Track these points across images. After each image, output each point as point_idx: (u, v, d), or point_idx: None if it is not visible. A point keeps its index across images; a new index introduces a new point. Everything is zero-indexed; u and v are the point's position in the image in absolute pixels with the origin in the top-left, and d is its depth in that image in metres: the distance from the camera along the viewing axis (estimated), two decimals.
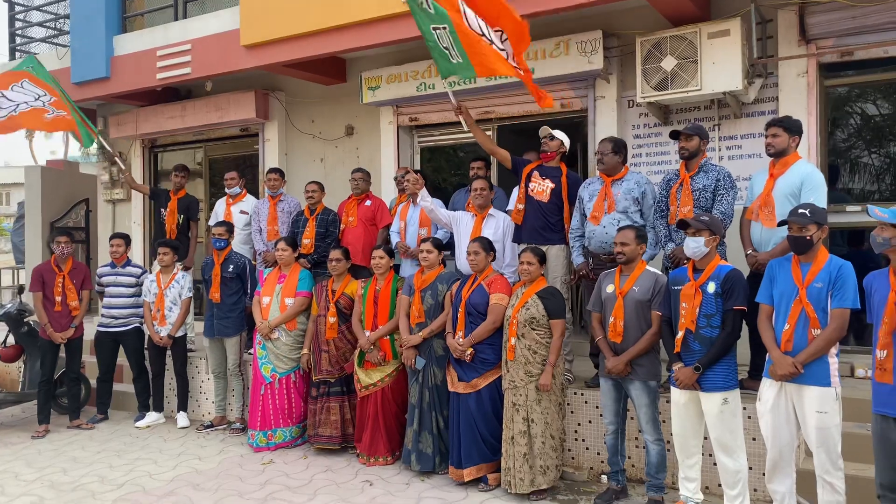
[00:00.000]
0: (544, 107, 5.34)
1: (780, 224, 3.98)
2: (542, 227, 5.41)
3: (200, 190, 9.54)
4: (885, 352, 3.41)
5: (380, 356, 5.61)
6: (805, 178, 4.54)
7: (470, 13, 5.13)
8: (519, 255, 5.04)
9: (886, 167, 6.10)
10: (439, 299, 5.38)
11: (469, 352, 4.98)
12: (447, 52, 5.16)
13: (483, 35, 5.06)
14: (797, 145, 4.68)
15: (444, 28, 5.08)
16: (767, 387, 3.89)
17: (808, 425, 3.74)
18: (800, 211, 3.81)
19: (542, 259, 4.97)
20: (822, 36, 5.73)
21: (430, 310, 5.37)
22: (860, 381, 5.30)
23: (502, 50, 5.11)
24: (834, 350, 3.73)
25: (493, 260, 5.26)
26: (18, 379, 7.54)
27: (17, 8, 10.16)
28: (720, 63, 5.74)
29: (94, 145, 9.23)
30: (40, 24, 10.16)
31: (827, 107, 6.03)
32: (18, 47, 10.18)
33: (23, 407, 7.65)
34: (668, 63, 5.93)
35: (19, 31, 10.27)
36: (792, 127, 4.63)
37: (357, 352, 5.74)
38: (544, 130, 5.55)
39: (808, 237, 3.75)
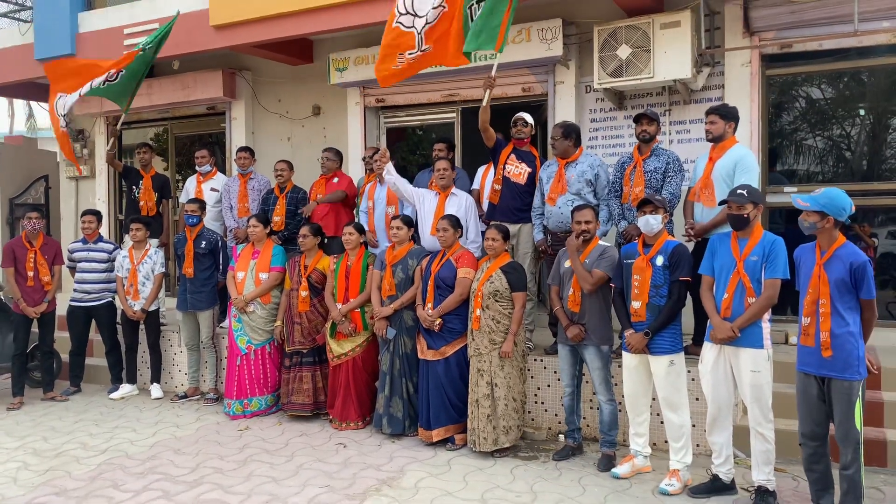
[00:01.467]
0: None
1: (721, 203, 4.39)
2: (518, 207, 5.79)
3: (162, 167, 9.63)
4: (809, 319, 3.85)
5: (351, 328, 5.92)
6: (738, 161, 4.95)
7: None
8: (486, 231, 5.39)
9: (822, 151, 6.62)
10: (409, 273, 5.70)
11: (438, 322, 5.32)
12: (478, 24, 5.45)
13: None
14: (734, 130, 5.09)
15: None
16: (708, 350, 4.33)
17: (744, 383, 4.18)
18: (738, 191, 4.22)
19: (506, 236, 5.33)
20: (764, 29, 6.17)
21: (401, 283, 5.69)
22: (793, 347, 5.81)
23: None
24: (767, 316, 4.17)
25: (461, 236, 5.60)
26: None
27: None
28: (671, 52, 6.13)
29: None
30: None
31: (768, 94, 6.49)
32: None
33: None
34: (624, 51, 6.31)
35: None
36: (728, 114, 5.05)
37: (329, 323, 6.04)
38: (518, 117, 5.87)
39: (745, 215, 4.17)
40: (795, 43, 6.13)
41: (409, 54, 5.90)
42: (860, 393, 3.72)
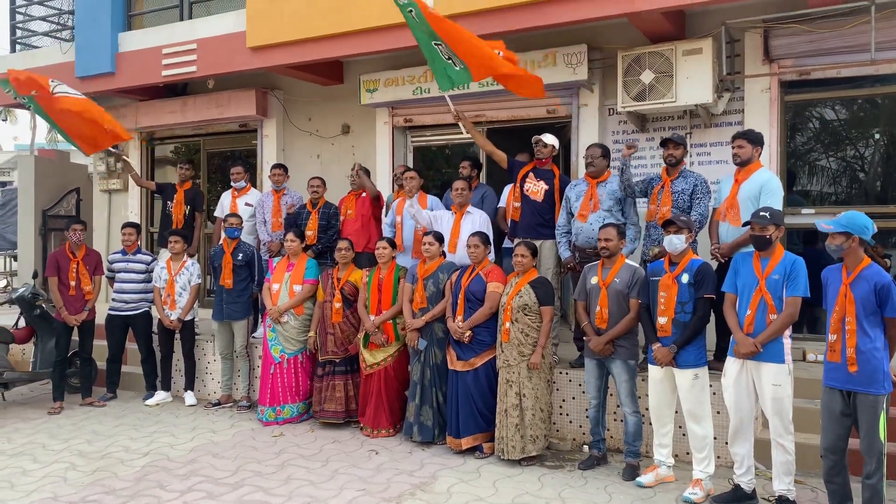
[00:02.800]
0: (534, 95, 5.96)
1: (745, 224, 4.61)
2: (538, 224, 6.02)
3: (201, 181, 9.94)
4: (836, 335, 4.05)
5: (383, 338, 6.16)
6: (764, 184, 5.18)
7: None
8: (514, 248, 5.62)
9: (839, 174, 6.83)
10: (440, 287, 5.93)
11: (468, 334, 5.55)
12: (450, 61, 5.71)
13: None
14: (759, 154, 5.33)
15: (439, 45, 5.66)
16: (731, 364, 4.53)
17: (766, 396, 4.38)
18: (761, 213, 4.44)
19: (535, 252, 5.57)
20: (783, 56, 6.41)
21: (432, 296, 5.92)
22: (811, 364, 6.01)
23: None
24: (788, 332, 4.38)
25: (490, 252, 5.84)
26: (28, 359, 7.90)
27: (19, 1, 10.43)
28: (693, 78, 6.37)
29: None
30: (42, 19, 10.45)
31: (786, 119, 6.71)
32: (19, 40, 10.45)
33: (30, 386, 8.03)
34: (647, 76, 6.55)
35: (20, 25, 10.53)
36: (755, 139, 5.29)
37: (362, 334, 6.28)
38: (537, 138, 6.13)
39: (767, 236, 4.39)
40: (814, 70, 6.36)
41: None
42: (885, 406, 3.92)
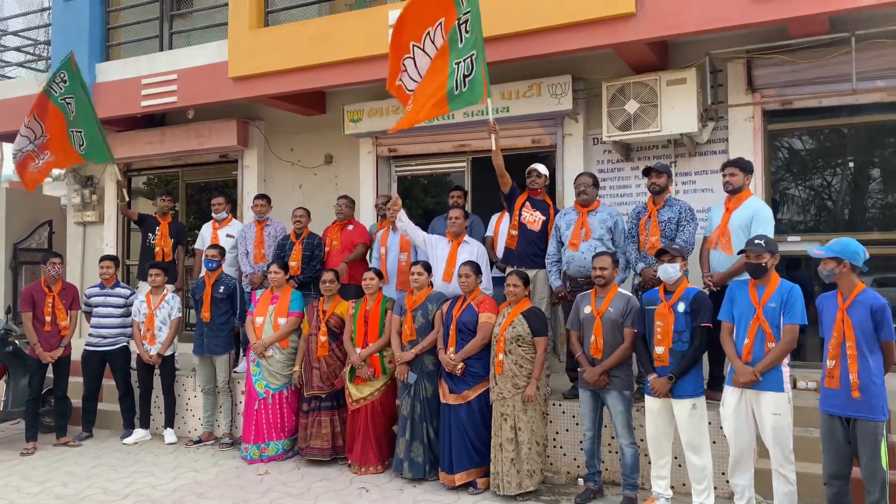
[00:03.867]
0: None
1: (740, 253, 4.61)
2: (533, 253, 5.98)
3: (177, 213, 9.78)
4: (834, 361, 4.04)
5: (370, 372, 6.03)
6: (756, 213, 5.20)
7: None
8: (506, 277, 5.56)
9: (821, 202, 6.90)
10: (429, 318, 5.83)
11: (460, 366, 5.45)
12: (465, 79, 5.75)
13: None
14: (750, 183, 5.36)
15: (472, 55, 5.68)
16: (730, 393, 4.49)
17: (766, 425, 4.34)
18: (756, 241, 4.44)
19: (527, 282, 5.51)
20: (766, 86, 6.50)
21: (421, 328, 5.82)
22: (802, 391, 5.99)
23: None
24: (786, 360, 4.36)
25: (481, 283, 5.77)
26: (0, 398, 7.62)
27: None
28: (678, 107, 6.43)
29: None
30: (17, 49, 10.30)
31: (770, 148, 6.78)
32: None
33: (0, 426, 7.73)
34: (632, 106, 6.61)
35: None
36: (746, 167, 5.32)
37: (348, 368, 6.14)
38: (532, 169, 6.12)
39: (763, 264, 4.39)
40: (796, 100, 6.45)
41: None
42: (885, 433, 3.89)
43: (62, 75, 7.66)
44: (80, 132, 7.76)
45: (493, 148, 5.99)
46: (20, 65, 10.32)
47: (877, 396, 3.89)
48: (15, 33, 10.35)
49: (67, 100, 7.74)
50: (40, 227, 12.08)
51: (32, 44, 10.29)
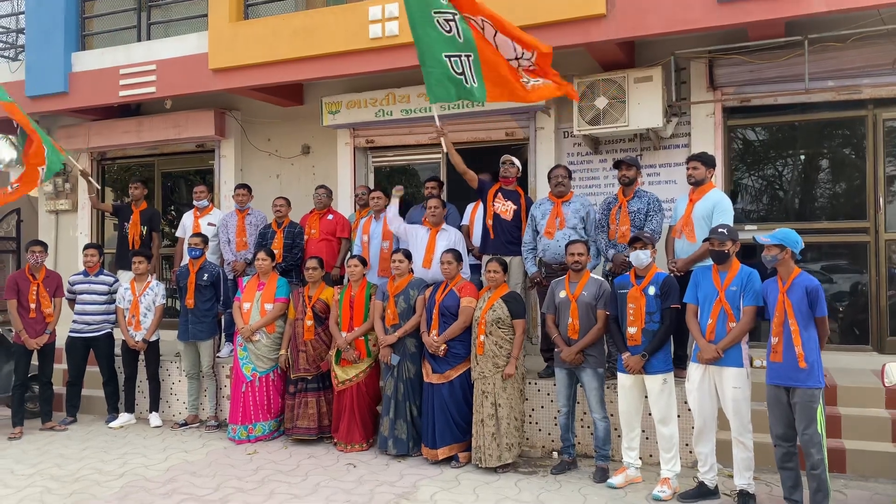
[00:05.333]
0: (571, 96, 6.23)
1: (704, 241, 5.01)
2: (507, 241, 6.31)
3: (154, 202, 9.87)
4: (777, 338, 4.50)
5: (355, 354, 6.31)
6: (717, 204, 5.61)
7: (502, 39, 5.94)
8: (486, 264, 5.90)
9: (777, 193, 7.37)
10: (411, 303, 6.14)
11: (443, 347, 5.77)
12: (460, 77, 5.93)
13: (516, 58, 5.92)
14: (712, 176, 5.77)
15: (469, 56, 5.88)
16: (694, 369, 4.90)
17: (727, 398, 4.76)
18: (719, 230, 4.84)
19: (506, 268, 5.85)
20: (726, 84, 6.93)
21: (404, 312, 6.12)
22: (755, 370, 6.44)
23: (531, 68, 5.95)
24: (745, 339, 4.78)
25: (462, 269, 6.09)
26: None
27: None
28: (644, 103, 6.81)
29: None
30: None
31: (729, 142, 7.22)
32: None
33: None
34: (601, 102, 6.96)
35: None
36: (708, 161, 5.73)
37: (334, 351, 6.41)
38: (506, 158, 6.44)
39: (725, 251, 4.80)
40: (753, 98, 6.90)
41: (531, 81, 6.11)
42: (821, 400, 4.36)
43: None
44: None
45: (446, 150, 6.32)
46: None
47: (812, 367, 4.37)
48: None
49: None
50: (8, 215, 12.03)
51: (4, 32, 10.22)
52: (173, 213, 10.05)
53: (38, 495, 5.28)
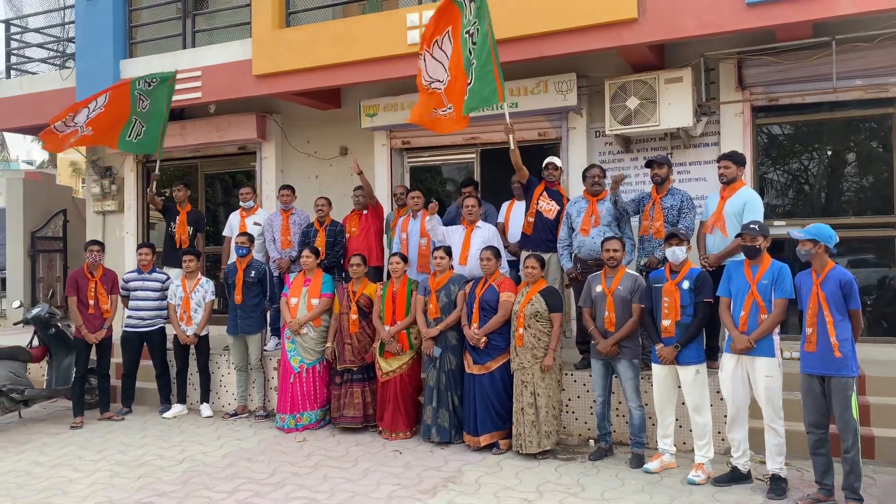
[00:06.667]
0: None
1: (737, 236, 5.24)
2: (548, 239, 6.59)
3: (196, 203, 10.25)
4: (811, 329, 4.71)
5: (398, 347, 6.62)
6: (747, 201, 5.83)
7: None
8: (524, 260, 6.17)
9: (804, 189, 7.56)
10: (452, 297, 6.43)
11: (483, 340, 6.06)
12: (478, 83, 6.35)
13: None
14: (742, 174, 5.99)
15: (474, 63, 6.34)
16: (728, 359, 5.14)
17: (759, 387, 4.99)
18: (751, 226, 5.07)
19: (543, 264, 6.12)
20: (754, 84, 7.14)
21: (445, 307, 6.41)
22: (786, 361, 6.65)
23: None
24: (777, 330, 5.01)
25: (500, 265, 6.36)
26: (42, 378, 8.12)
27: (14, 28, 10.63)
28: (674, 103, 7.04)
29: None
30: (40, 46, 10.66)
31: (758, 140, 7.42)
32: (14, 66, 10.63)
33: (41, 404, 8.22)
34: (632, 102, 7.20)
35: (15, 51, 10.71)
36: (739, 160, 5.95)
37: (378, 343, 6.72)
38: (550, 162, 6.73)
39: (757, 246, 5.02)
40: (782, 97, 7.10)
41: (442, 111, 6.77)
42: (854, 388, 4.57)
43: (154, 81, 8.06)
44: (143, 126, 8.14)
45: (512, 147, 6.57)
46: (43, 61, 10.68)
47: (847, 356, 4.57)
48: (38, 30, 10.70)
49: (142, 97, 8.11)
50: (55, 216, 12.56)
51: (55, 40, 10.66)
52: (215, 212, 10.43)
53: (108, 479, 5.65)
